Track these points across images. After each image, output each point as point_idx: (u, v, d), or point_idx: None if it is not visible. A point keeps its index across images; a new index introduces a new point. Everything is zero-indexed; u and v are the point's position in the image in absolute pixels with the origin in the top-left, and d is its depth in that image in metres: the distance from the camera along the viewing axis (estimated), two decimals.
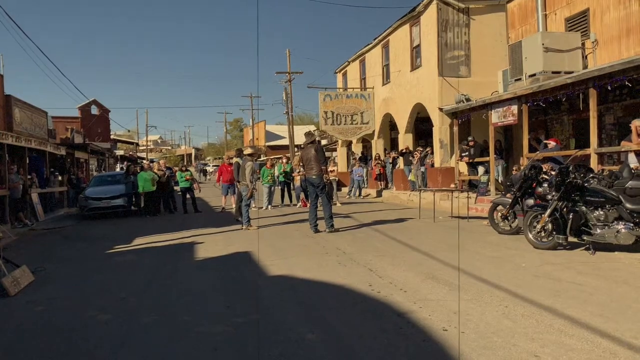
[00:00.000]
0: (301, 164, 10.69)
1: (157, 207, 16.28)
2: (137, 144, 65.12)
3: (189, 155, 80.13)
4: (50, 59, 72.61)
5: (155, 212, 16.03)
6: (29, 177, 15.63)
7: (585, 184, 7.28)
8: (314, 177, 10.27)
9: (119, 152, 43.87)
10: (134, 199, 16.64)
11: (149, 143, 79.34)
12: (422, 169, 16.99)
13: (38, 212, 15.46)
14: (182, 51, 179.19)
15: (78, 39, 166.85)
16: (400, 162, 19.13)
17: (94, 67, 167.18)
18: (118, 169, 32.61)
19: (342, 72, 26.75)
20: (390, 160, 20.39)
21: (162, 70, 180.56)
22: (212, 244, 9.47)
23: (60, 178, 20.34)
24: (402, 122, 19.65)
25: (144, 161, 28.15)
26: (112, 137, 48.28)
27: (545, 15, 14.38)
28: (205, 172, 55.53)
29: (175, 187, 18.19)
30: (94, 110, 41.51)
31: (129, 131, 69.02)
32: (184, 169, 17.56)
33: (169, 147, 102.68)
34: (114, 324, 4.80)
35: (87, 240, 11.29)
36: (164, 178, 16.39)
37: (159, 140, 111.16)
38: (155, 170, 16.53)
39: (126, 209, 16.29)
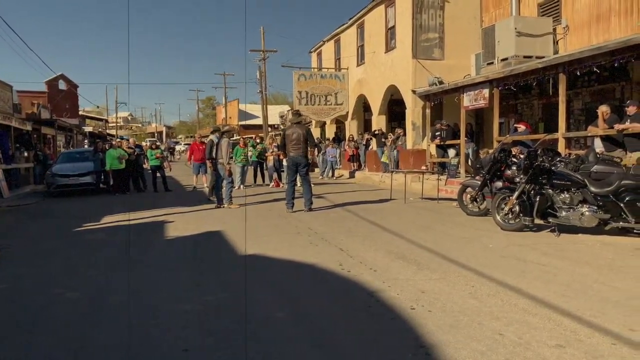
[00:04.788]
0: (280, 143, 10.58)
1: (127, 185, 16.04)
2: (107, 121, 63.76)
3: (160, 133, 78.81)
4: (15, 31, 69.98)
5: (125, 190, 15.80)
6: None
7: (553, 168, 7.44)
8: (300, 156, 10.24)
9: (88, 129, 42.85)
10: (102, 177, 16.35)
11: (118, 120, 77.74)
12: (395, 151, 17.10)
13: (3, 189, 15.06)
14: (153, 26, 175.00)
15: (45, 11, 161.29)
16: (374, 143, 19.20)
17: (62, 41, 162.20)
18: (86, 146, 31.92)
19: (317, 51, 26.57)
20: (364, 142, 20.45)
21: (133, 45, 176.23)
22: (183, 223, 9.39)
23: (26, 154, 19.83)
24: (375, 104, 19.69)
25: (116, 139, 27.61)
26: (80, 113, 47.20)
27: None
28: (173, 151, 49.38)
29: (145, 166, 17.94)
30: (62, 85, 40.45)
31: (98, 107, 67.57)
32: (154, 146, 17.30)
33: (140, 125, 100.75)
34: (82, 302, 4.75)
35: (54, 217, 11.08)
36: (133, 156, 16.14)
37: (129, 117, 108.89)
38: (125, 148, 16.25)
39: (94, 186, 16.01)
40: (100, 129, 49.98)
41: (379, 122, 19.66)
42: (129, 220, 9.96)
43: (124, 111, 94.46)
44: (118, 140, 18.77)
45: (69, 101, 40.05)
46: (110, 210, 11.42)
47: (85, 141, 37.10)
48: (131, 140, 19.20)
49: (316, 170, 22.24)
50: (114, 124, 67.19)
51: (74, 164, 16.55)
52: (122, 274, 5.80)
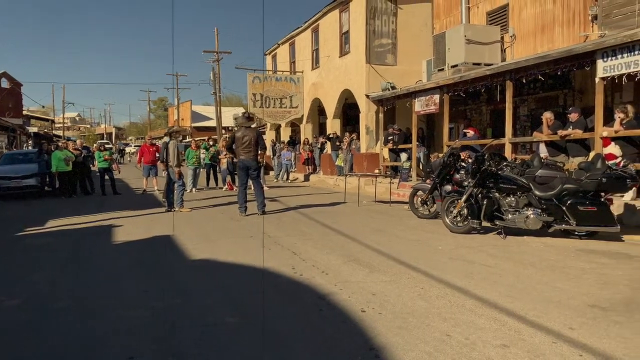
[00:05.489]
0: (227, 144, 10.41)
1: (73, 188, 15.52)
2: (53, 121, 61.44)
3: (109, 134, 76.66)
4: None
5: (71, 193, 15.27)
6: None
7: (499, 172, 7.66)
8: (250, 160, 10.12)
9: (33, 129, 41.19)
10: (47, 179, 15.76)
11: (66, 120, 75.20)
12: (350, 154, 17.24)
13: None
14: (103, 23, 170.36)
15: None
16: (328, 146, 19.30)
17: (4, 37, 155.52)
18: (30, 147, 30.68)
19: (272, 54, 26.50)
20: (319, 145, 20.52)
21: (82, 43, 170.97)
22: (132, 227, 9.14)
23: None
24: (330, 108, 19.80)
25: (62, 140, 26.66)
26: (24, 112, 45.42)
27: (469, 8, 14.90)
28: (122, 153, 45.89)
29: (93, 168, 17.42)
30: (4, 84, 38.82)
31: (43, 107, 65.12)
32: (102, 148, 16.83)
33: (88, 126, 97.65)
34: (24, 309, 4.55)
35: None
36: (80, 158, 15.64)
37: (77, 118, 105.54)
38: (71, 149, 15.73)
39: (39, 189, 15.41)
40: (46, 130, 48.18)
41: (333, 125, 19.78)
42: (75, 224, 9.63)
43: (71, 111, 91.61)
44: (64, 141, 18.13)
45: (12, 100, 38.50)
46: (55, 214, 11.01)
47: (30, 142, 35.71)
48: (78, 141, 18.63)
49: (271, 173, 22.15)
50: (61, 125, 64.89)
51: (17, 166, 15.86)
52: (66, 280, 5.61)
